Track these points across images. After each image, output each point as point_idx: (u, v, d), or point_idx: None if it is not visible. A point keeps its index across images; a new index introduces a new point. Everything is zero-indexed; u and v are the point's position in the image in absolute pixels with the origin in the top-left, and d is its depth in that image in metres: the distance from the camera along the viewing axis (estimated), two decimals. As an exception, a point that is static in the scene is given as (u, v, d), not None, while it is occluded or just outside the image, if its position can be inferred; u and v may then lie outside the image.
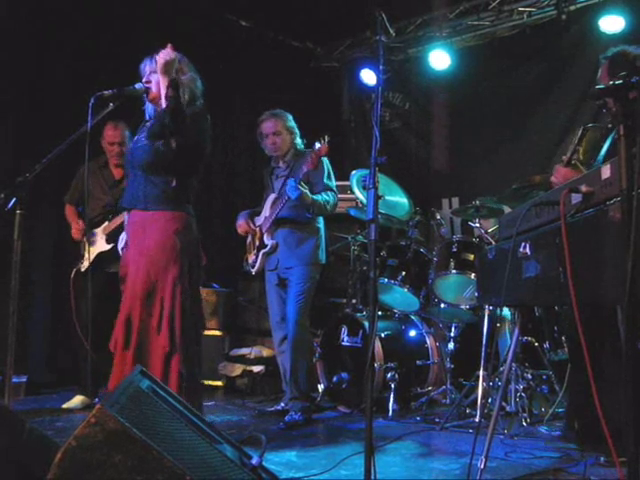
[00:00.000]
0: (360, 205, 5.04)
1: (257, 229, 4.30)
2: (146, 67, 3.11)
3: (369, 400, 2.17)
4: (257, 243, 4.29)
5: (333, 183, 4.25)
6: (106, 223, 4.45)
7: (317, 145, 3.90)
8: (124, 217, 4.34)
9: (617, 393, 2.23)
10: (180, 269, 2.95)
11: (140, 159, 3.07)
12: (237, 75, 6.06)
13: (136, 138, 3.24)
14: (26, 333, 4.90)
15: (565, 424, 3.43)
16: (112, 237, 4.36)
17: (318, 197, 4.09)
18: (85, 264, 4.36)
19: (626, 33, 5.06)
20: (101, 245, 4.42)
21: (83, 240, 4.44)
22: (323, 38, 6.75)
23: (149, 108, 3.20)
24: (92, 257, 4.39)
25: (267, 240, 4.20)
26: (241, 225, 4.37)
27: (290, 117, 4.27)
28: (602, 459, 2.89)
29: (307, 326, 4.16)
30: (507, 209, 4.21)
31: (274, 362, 4.53)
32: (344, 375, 4.48)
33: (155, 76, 3.06)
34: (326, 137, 3.90)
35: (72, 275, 4.31)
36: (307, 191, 3.99)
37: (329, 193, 4.16)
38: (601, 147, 3.08)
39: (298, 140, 4.28)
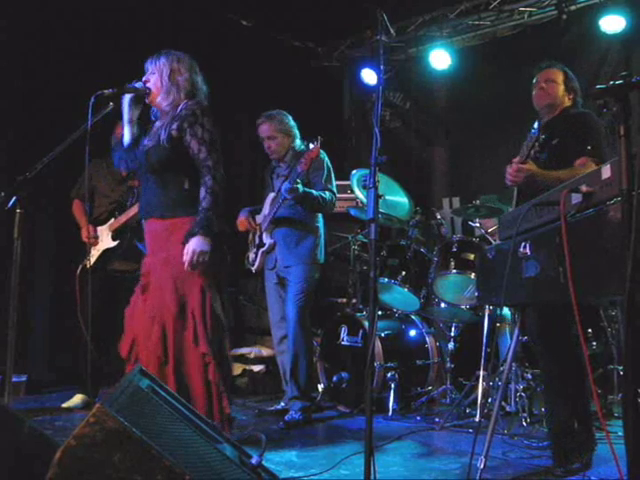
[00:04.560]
0: (360, 204, 5.04)
1: (257, 227, 4.31)
2: (150, 65, 3.09)
3: (369, 400, 2.17)
4: (257, 241, 4.29)
5: (333, 184, 4.23)
6: (112, 220, 4.46)
7: (311, 146, 3.90)
8: (130, 215, 4.36)
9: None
10: (207, 277, 2.90)
11: (152, 162, 2.97)
12: (237, 74, 6.06)
13: (145, 141, 3.18)
14: (26, 332, 4.90)
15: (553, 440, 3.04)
16: (118, 234, 4.38)
17: (312, 191, 4.04)
18: (91, 261, 4.37)
19: (627, 33, 5.07)
20: (107, 242, 4.45)
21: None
22: (324, 38, 6.74)
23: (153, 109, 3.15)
24: (98, 254, 4.42)
25: (265, 239, 4.20)
26: (242, 222, 4.37)
27: (288, 118, 4.23)
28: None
29: (307, 325, 4.15)
30: (508, 208, 4.21)
31: (274, 361, 4.53)
32: (344, 375, 4.47)
33: (154, 77, 3.04)
34: (319, 138, 3.89)
35: (78, 272, 4.31)
36: (300, 185, 3.92)
37: (327, 192, 4.13)
38: None
39: (297, 141, 4.24)
